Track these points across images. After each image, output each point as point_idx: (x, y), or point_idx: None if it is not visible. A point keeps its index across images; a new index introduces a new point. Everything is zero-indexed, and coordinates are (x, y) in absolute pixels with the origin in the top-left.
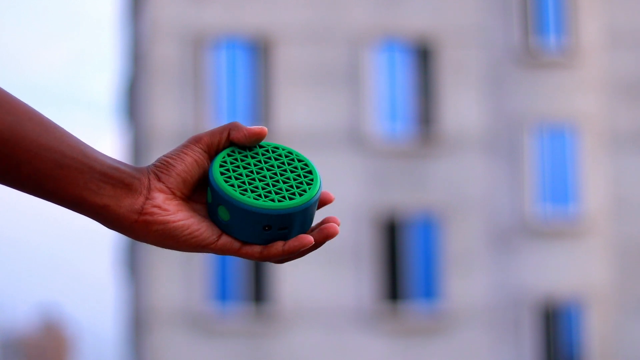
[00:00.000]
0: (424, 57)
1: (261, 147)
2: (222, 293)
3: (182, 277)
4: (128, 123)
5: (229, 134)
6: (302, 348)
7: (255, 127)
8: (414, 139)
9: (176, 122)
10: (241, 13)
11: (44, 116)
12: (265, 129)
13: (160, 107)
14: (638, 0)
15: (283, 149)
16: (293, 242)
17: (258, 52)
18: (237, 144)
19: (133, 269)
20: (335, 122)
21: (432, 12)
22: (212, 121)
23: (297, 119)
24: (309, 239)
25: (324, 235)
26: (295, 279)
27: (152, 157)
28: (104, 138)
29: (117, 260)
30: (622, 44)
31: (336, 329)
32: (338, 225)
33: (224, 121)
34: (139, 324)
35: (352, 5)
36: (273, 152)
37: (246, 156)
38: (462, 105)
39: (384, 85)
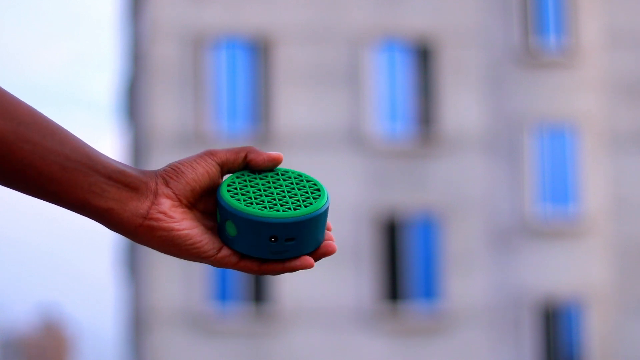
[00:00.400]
0: (424, 57)
1: (271, 170)
2: (222, 293)
3: (182, 277)
4: (128, 123)
5: (246, 156)
6: (302, 348)
7: (273, 153)
8: (414, 139)
9: (176, 122)
10: (241, 13)
11: (48, 118)
12: (282, 155)
13: (160, 107)
14: (638, 0)
15: (292, 172)
16: (295, 263)
17: (258, 52)
18: (253, 166)
19: (133, 269)
20: (335, 122)
21: (432, 12)
22: (212, 121)
23: (297, 119)
24: (310, 261)
25: (321, 253)
26: (295, 279)
27: (152, 157)
28: (104, 138)
29: (117, 260)
30: (622, 44)
31: (336, 329)
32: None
33: (224, 121)
34: (139, 324)
35: (352, 5)
36: (282, 174)
37: (255, 178)
38: (462, 105)
39: (384, 85)
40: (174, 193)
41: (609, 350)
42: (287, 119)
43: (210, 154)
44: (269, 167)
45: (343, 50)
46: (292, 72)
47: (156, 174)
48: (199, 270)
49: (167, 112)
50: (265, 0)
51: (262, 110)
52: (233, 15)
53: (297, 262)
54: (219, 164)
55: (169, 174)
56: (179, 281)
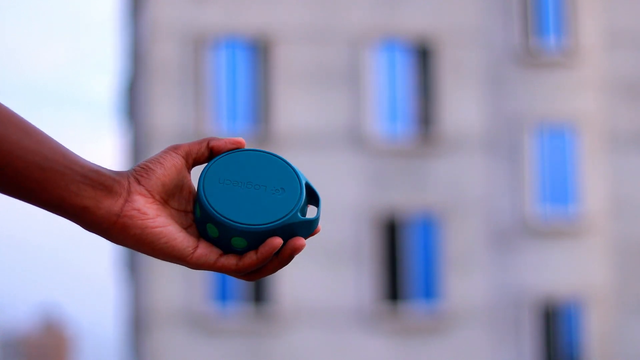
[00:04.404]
0: (424, 57)
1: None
2: (222, 293)
3: (182, 277)
4: (128, 123)
5: (208, 144)
6: (302, 348)
7: (234, 138)
8: (414, 139)
9: (176, 122)
10: (241, 13)
11: (24, 119)
12: (243, 140)
13: (160, 107)
14: (638, 0)
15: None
16: (263, 248)
17: (258, 52)
18: (217, 152)
19: (133, 269)
20: (335, 122)
21: (432, 12)
22: (212, 121)
23: (297, 119)
24: (278, 240)
25: (289, 248)
26: (295, 279)
27: None
28: (104, 138)
29: (117, 260)
30: (622, 44)
31: (336, 329)
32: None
33: (224, 121)
34: (139, 324)
35: (352, 5)
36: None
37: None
38: (462, 105)
39: (384, 85)
40: (146, 190)
41: (609, 350)
42: (287, 119)
43: (174, 148)
44: (232, 149)
45: (343, 50)
46: (292, 72)
47: (128, 173)
48: (199, 271)
49: (167, 112)
50: (265, 0)
51: (262, 110)
52: (233, 15)
53: (266, 247)
54: (183, 157)
55: (139, 173)
56: (179, 281)
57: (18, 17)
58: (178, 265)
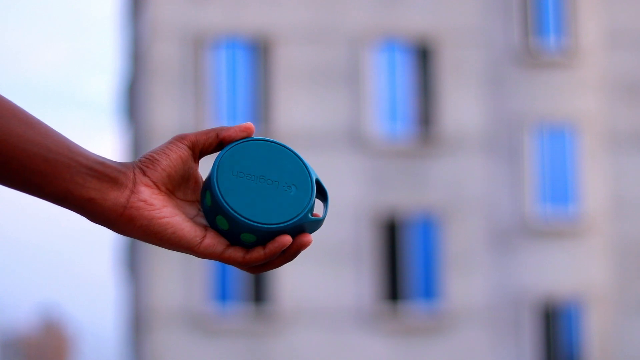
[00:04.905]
0: (424, 57)
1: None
2: (222, 293)
3: (182, 277)
4: (128, 123)
5: (217, 135)
6: (302, 348)
7: (244, 124)
8: (414, 139)
9: (176, 122)
10: (241, 13)
11: (28, 113)
12: (252, 125)
13: (160, 107)
14: (638, 0)
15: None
16: (272, 245)
17: (258, 52)
18: (229, 142)
19: (133, 269)
20: (335, 122)
21: (432, 12)
22: (212, 121)
23: (297, 119)
24: (287, 238)
25: (297, 244)
26: (295, 279)
27: None
28: (104, 138)
29: (117, 260)
30: (622, 44)
31: (336, 329)
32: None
33: (224, 121)
34: (139, 324)
35: (352, 6)
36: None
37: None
38: (462, 105)
39: (384, 85)
40: (152, 181)
41: (609, 350)
42: (287, 119)
43: (180, 138)
44: (243, 137)
45: (343, 50)
46: (292, 72)
47: (133, 165)
48: (199, 270)
49: (167, 112)
50: (265, 0)
51: (262, 110)
52: (233, 15)
53: (275, 244)
54: (189, 147)
55: (145, 164)
56: (179, 281)
57: (18, 16)
58: (178, 265)
